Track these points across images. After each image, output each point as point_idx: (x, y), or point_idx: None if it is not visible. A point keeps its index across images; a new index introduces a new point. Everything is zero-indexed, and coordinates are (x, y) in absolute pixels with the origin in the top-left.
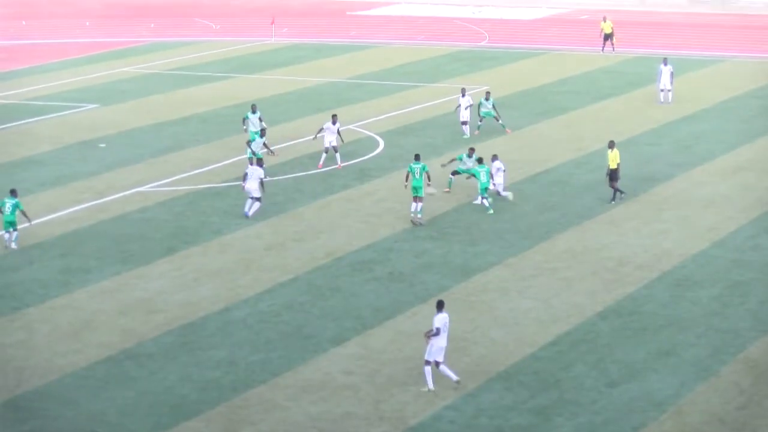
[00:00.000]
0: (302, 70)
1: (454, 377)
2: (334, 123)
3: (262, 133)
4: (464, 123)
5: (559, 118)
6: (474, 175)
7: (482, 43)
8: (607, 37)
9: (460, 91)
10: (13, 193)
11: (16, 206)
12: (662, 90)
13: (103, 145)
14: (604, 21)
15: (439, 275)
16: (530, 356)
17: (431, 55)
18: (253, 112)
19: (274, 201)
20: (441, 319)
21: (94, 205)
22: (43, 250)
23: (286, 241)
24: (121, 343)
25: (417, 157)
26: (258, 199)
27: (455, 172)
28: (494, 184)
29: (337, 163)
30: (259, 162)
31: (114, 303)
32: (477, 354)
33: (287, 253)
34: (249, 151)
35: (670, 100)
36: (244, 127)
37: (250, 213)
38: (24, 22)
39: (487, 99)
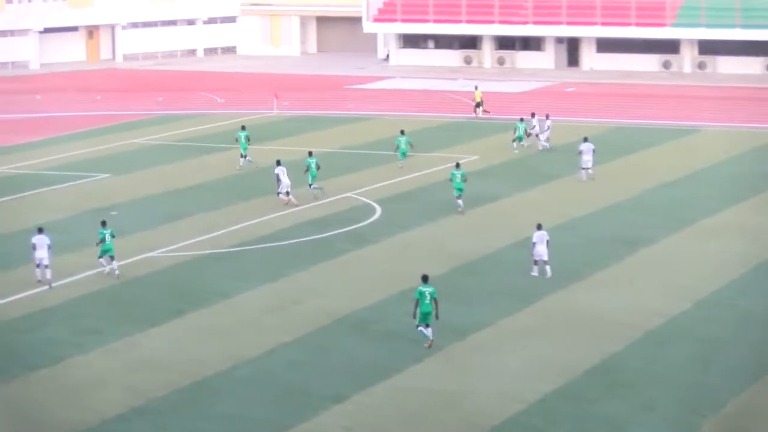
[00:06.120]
0: (301, 141)
1: None
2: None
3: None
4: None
5: (544, 185)
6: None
7: (473, 114)
8: (478, 105)
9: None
10: (104, 224)
11: (111, 235)
12: (584, 168)
13: (114, 213)
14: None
15: (435, 336)
16: (519, 412)
17: (426, 126)
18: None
19: (276, 265)
20: None
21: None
22: (54, 313)
23: (285, 304)
24: (130, 401)
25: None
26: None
27: None
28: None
29: None
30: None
31: (123, 362)
32: (469, 409)
33: (288, 315)
34: None
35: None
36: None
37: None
38: (39, 96)
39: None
